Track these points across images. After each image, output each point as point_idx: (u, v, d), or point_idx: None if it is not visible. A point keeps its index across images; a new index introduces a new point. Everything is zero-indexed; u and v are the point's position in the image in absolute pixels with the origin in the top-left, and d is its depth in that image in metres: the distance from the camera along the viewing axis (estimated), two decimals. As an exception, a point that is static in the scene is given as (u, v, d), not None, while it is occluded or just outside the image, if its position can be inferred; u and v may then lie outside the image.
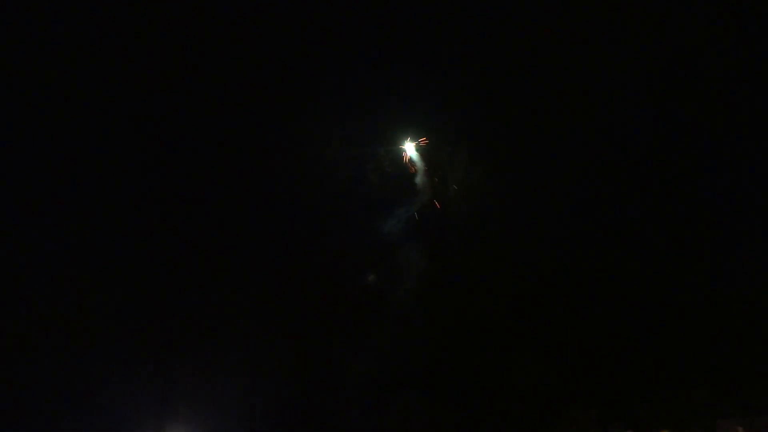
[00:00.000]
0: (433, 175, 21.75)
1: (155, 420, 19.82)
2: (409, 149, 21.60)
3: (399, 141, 21.46)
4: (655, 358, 19.96)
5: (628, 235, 21.30)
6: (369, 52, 21.49)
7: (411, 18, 21.46)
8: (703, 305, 20.19)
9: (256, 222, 21.90)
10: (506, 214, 21.43)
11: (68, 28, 19.93)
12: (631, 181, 21.39)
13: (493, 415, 20.67)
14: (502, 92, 21.44)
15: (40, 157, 20.27)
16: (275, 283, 21.49)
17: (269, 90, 21.17)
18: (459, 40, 21.46)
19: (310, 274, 21.48)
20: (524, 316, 21.25)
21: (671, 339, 20.04)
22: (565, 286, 21.30)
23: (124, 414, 19.46)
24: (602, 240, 21.16)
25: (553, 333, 21.00)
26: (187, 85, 20.91)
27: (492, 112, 21.66)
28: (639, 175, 21.41)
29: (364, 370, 21.11)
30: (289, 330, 21.07)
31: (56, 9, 19.41)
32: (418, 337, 21.39)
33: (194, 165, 21.33)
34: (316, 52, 21.50)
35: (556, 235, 21.28)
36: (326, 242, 21.75)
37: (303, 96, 21.20)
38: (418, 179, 21.85)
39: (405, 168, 21.60)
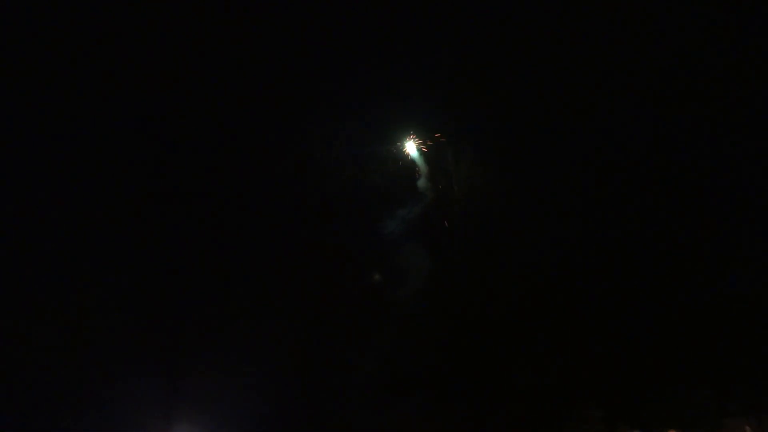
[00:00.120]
0: (435, 175, 21.78)
1: (160, 420, 19.83)
2: (411, 149, 21.63)
3: (401, 140, 21.49)
4: (662, 357, 19.75)
5: (634, 234, 21.12)
6: (369, 52, 21.47)
7: (411, 18, 21.50)
8: (710, 304, 19.97)
9: (262, 224, 21.87)
10: (513, 213, 21.34)
11: (68, 27, 20.05)
12: (644, 179, 21.22)
13: (499, 415, 20.52)
14: (506, 91, 21.34)
15: (41, 157, 20.37)
16: (281, 284, 21.46)
17: (269, 90, 21.22)
18: (463, 39, 21.44)
19: (315, 276, 21.40)
20: (530, 316, 21.08)
21: (678, 338, 19.82)
22: (571, 286, 21.14)
23: (129, 414, 19.48)
24: (607, 240, 21.00)
25: (560, 333, 20.81)
26: (187, 86, 21.02)
27: (497, 112, 21.57)
28: (652, 174, 21.22)
29: (370, 371, 21.02)
30: (294, 331, 21.00)
31: (56, 9, 19.51)
32: (424, 337, 21.28)
33: (194, 165, 21.39)
34: (316, 51, 21.52)
35: (559, 235, 21.11)
36: (330, 243, 21.68)
37: (303, 96, 21.23)
38: (421, 179, 21.86)
39: (407, 168, 21.67)
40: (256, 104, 21.23)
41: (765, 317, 19.37)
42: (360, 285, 21.78)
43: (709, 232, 20.38)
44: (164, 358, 20.54)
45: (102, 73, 20.48)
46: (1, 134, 20.24)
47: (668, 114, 20.79)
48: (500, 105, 21.33)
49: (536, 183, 21.52)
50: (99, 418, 19.32)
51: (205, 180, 21.48)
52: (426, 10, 21.28)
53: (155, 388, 20.13)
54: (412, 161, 21.86)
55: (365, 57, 21.40)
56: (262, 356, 20.56)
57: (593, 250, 20.96)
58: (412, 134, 21.66)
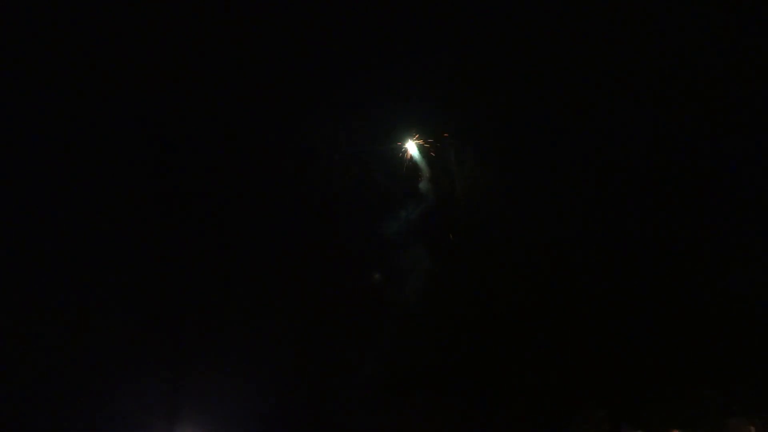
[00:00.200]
0: (438, 175, 21.76)
1: (161, 420, 19.84)
2: (413, 148, 21.61)
3: (402, 140, 21.47)
4: (666, 357, 19.70)
5: (636, 234, 21.10)
6: (371, 50, 21.46)
7: (412, 17, 21.46)
8: (714, 303, 19.91)
9: (263, 223, 21.86)
10: (515, 212, 21.32)
11: (68, 27, 20.03)
12: (648, 180, 21.19)
13: (500, 415, 20.48)
14: (509, 91, 21.32)
15: (41, 157, 20.40)
16: (282, 285, 21.43)
17: (270, 89, 21.21)
18: (467, 38, 21.41)
19: (316, 276, 21.38)
20: (533, 316, 21.06)
21: (681, 338, 19.78)
22: (573, 285, 21.12)
23: (131, 414, 19.49)
24: (610, 240, 20.97)
25: (563, 333, 20.78)
26: (187, 84, 21.00)
27: (500, 112, 21.54)
28: (657, 174, 21.18)
29: (371, 371, 21.00)
30: (296, 331, 21.03)
31: (56, 8, 19.50)
32: (425, 337, 21.26)
33: (195, 165, 21.40)
34: (317, 50, 21.50)
35: (563, 235, 21.08)
36: (331, 243, 21.67)
37: (304, 95, 21.21)
38: (423, 179, 21.83)
39: (409, 167, 21.64)
40: (258, 103, 21.24)
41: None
42: (361, 285, 21.78)
43: (713, 231, 20.36)
44: (165, 359, 20.54)
45: (102, 72, 20.54)
46: (1, 134, 20.23)
47: (671, 114, 20.80)
48: (503, 104, 21.32)
49: (538, 183, 21.49)
50: (101, 419, 19.35)
51: (206, 180, 21.50)
52: (429, 9, 21.27)
53: (156, 388, 20.14)
54: (414, 161, 21.84)
55: (367, 56, 21.39)
56: (263, 356, 20.56)
57: (595, 249, 20.95)
58: (415, 134, 21.64)
